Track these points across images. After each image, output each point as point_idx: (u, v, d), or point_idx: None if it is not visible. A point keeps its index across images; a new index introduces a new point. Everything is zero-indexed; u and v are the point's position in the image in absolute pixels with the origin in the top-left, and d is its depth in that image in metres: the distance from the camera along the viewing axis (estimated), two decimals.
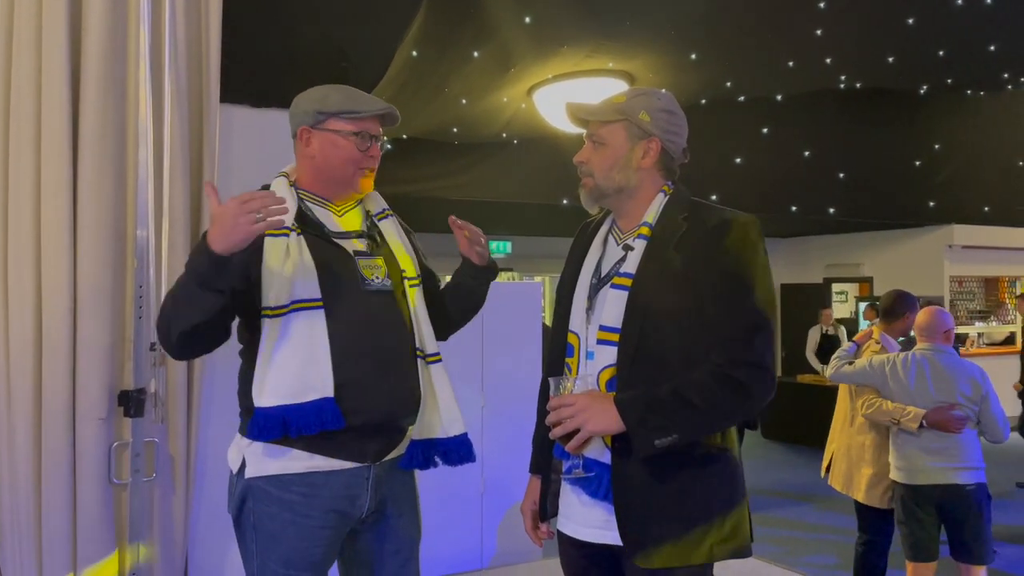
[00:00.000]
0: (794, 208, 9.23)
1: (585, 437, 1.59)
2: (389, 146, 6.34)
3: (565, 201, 7.97)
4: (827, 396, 9.18)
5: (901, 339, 4.25)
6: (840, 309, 11.60)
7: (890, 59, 7.73)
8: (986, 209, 10.35)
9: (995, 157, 10.30)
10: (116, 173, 2.74)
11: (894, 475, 3.72)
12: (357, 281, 1.79)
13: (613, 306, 1.65)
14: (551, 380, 1.66)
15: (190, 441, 2.85)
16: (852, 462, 4.06)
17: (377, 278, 1.82)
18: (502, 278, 10.86)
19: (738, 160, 8.71)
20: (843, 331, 10.22)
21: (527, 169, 8.01)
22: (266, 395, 1.69)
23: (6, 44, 2.64)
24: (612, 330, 1.64)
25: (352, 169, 1.84)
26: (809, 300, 11.34)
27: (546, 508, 1.80)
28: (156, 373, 2.78)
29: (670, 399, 1.56)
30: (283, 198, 1.60)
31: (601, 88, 6.25)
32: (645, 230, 1.70)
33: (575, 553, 1.75)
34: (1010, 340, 12.32)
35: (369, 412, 1.75)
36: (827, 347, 10.25)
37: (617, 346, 1.63)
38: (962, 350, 10.99)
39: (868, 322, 9.59)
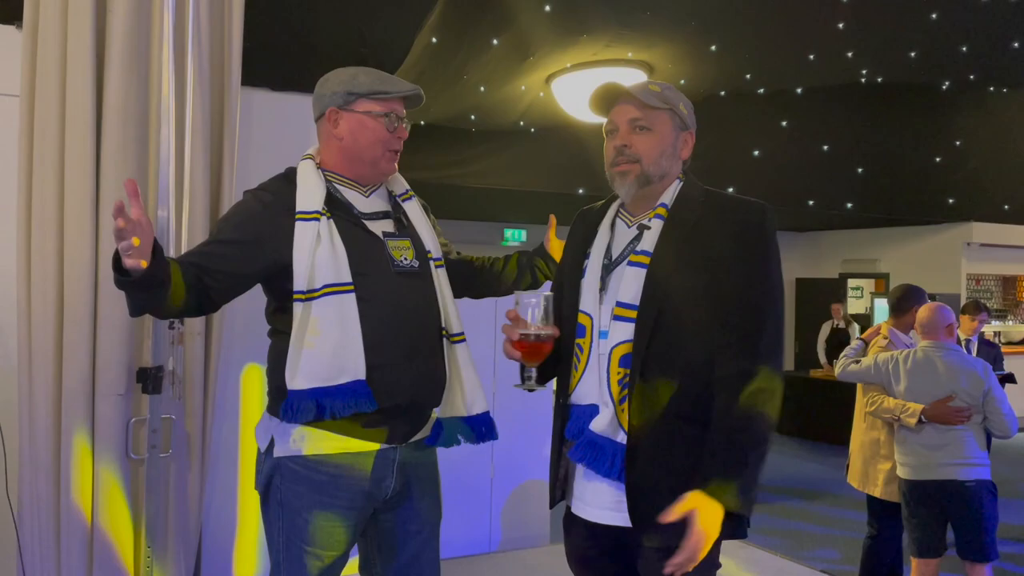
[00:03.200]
0: (811, 202, 9.18)
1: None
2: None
3: (581, 191, 7.96)
4: (838, 392, 9.19)
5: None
6: (855, 305, 11.54)
7: (912, 54, 7.66)
8: (1006, 207, 10.24)
9: (1016, 154, 10.18)
10: (138, 153, 2.77)
11: (899, 471, 3.74)
12: (387, 263, 1.81)
13: (631, 283, 1.64)
14: (527, 295, 1.66)
15: (206, 419, 2.90)
16: (867, 458, 4.07)
17: (405, 259, 1.84)
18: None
19: (756, 153, 8.66)
20: (855, 327, 10.18)
21: (544, 158, 8.00)
22: (299, 378, 1.72)
23: (32, 24, 2.68)
24: (629, 306, 1.63)
25: (381, 150, 1.85)
26: (824, 295, 11.29)
27: (556, 493, 1.80)
28: (174, 351, 2.83)
29: (748, 466, 1.55)
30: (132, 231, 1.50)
31: (619, 78, 6.22)
32: (662, 211, 1.70)
33: (583, 540, 1.75)
34: None
35: (399, 393, 1.78)
36: (836, 342, 10.22)
37: (634, 322, 1.62)
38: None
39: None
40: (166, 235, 2.82)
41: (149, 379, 2.76)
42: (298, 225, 1.75)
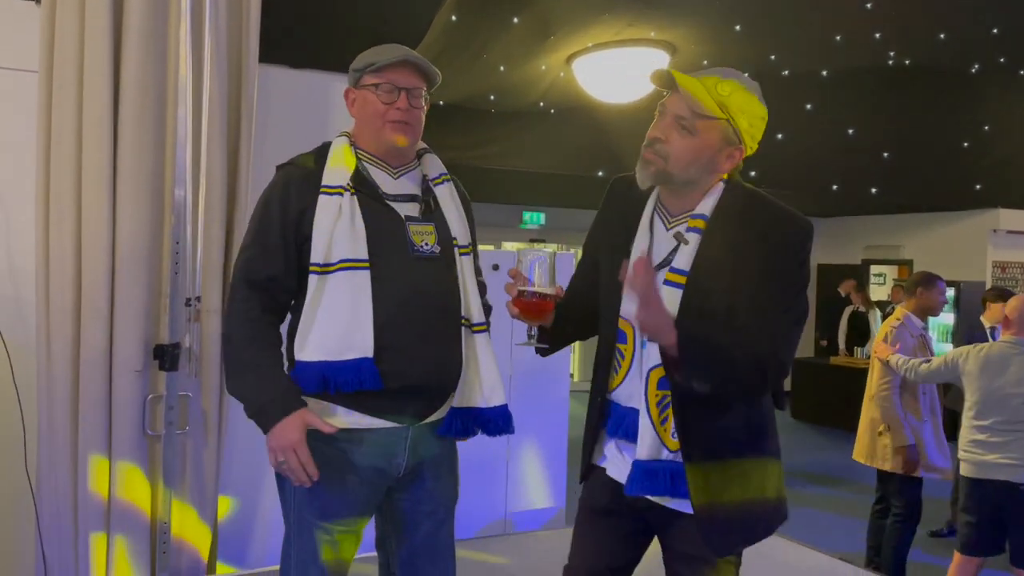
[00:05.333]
0: (835, 187, 9.06)
1: (643, 326, 1.54)
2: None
3: (600, 173, 7.89)
4: (859, 378, 9.06)
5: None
6: (877, 291, 11.39)
7: (942, 35, 7.50)
8: None
9: None
10: (155, 130, 2.77)
11: (963, 469, 3.72)
12: (405, 245, 1.81)
13: (668, 302, 1.59)
14: (530, 254, 1.67)
15: (223, 396, 2.91)
16: (874, 434, 4.19)
17: (426, 244, 1.83)
18: (524, 247, 10.83)
19: (780, 136, 8.53)
20: (876, 312, 10.06)
21: (563, 139, 7.93)
22: (307, 350, 1.74)
23: (50, 0, 2.67)
24: None
25: (379, 123, 1.84)
26: (846, 281, 11.15)
27: (588, 471, 1.83)
28: (191, 328, 2.83)
29: (716, 359, 1.57)
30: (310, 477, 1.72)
31: (642, 58, 6.15)
32: (700, 223, 1.65)
33: (611, 489, 1.76)
34: None
35: (407, 376, 1.77)
36: (858, 328, 10.11)
37: None
38: None
39: (896, 303, 9.46)
40: (183, 212, 2.81)
41: (166, 356, 2.77)
42: (321, 198, 1.77)
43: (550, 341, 1.79)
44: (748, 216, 1.65)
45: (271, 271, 1.78)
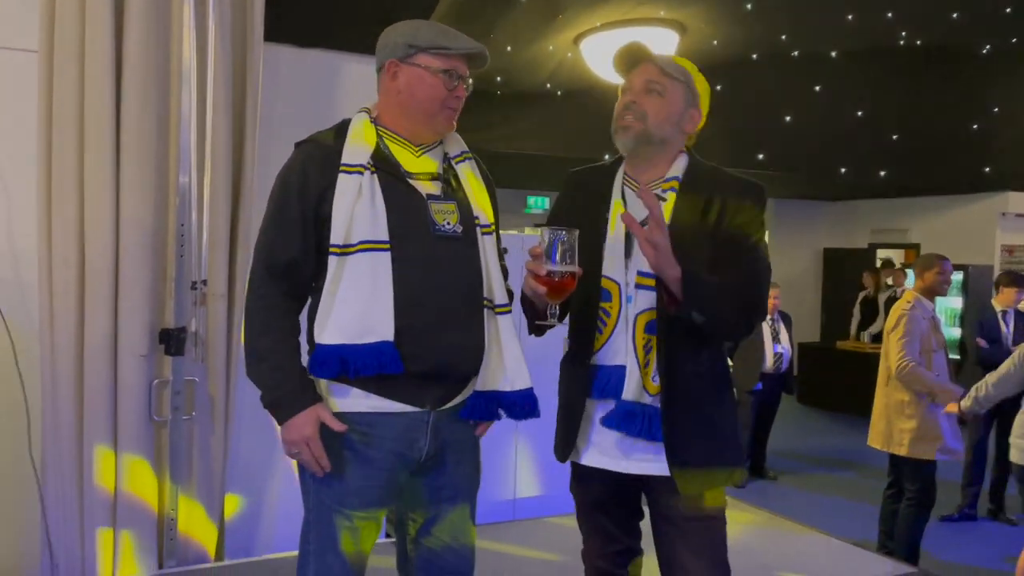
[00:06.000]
0: (843, 170, 8.98)
1: (653, 264, 1.67)
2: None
3: (607, 156, 7.82)
4: (865, 363, 9.03)
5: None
6: (885, 276, 11.32)
7: (954, 15, 7.40)
8: None
9: None
10: (159, 111, 2.71)
11: (1012, 454, 3.69)
12: (427, 225, 1.76)
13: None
14: (553, 232, 1.68)
15: (229, 381, 2.87)
16: (891, 419, 4.15)
17: (448, 223, 1.79)
18: (536, 232, 10.77)
19: (788, 118, 8.45)
20: (882, 297, 10.01)
21: (570, 122, 7.85)
22: (327, 333, 1.70)
23: None
24: (649, 275, 1.74)
25: (437, 107, 1.79)
26: (852, 266, 11.08)
27: (568, 449, 1.88)
28: (197, 312, 2.79)
29: (714, 289, 1.71)
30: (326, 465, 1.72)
31: (651, 38, 6.07)
32: (675, 183, 1.82)
33: (599, 487, 1.88)
34: None
35: (428, 359, 1.73)
36: (867, 312, 10.08)
37: (655, 291, 1.75)
38: None
39: (898, 288, 9.42)
40: (188, 193, 2.76)
41: (172, 340, 2.73)
42: (341, 177, 1.72)
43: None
44: (714, 178, 1.84)
45: (291, 254, 1.74)
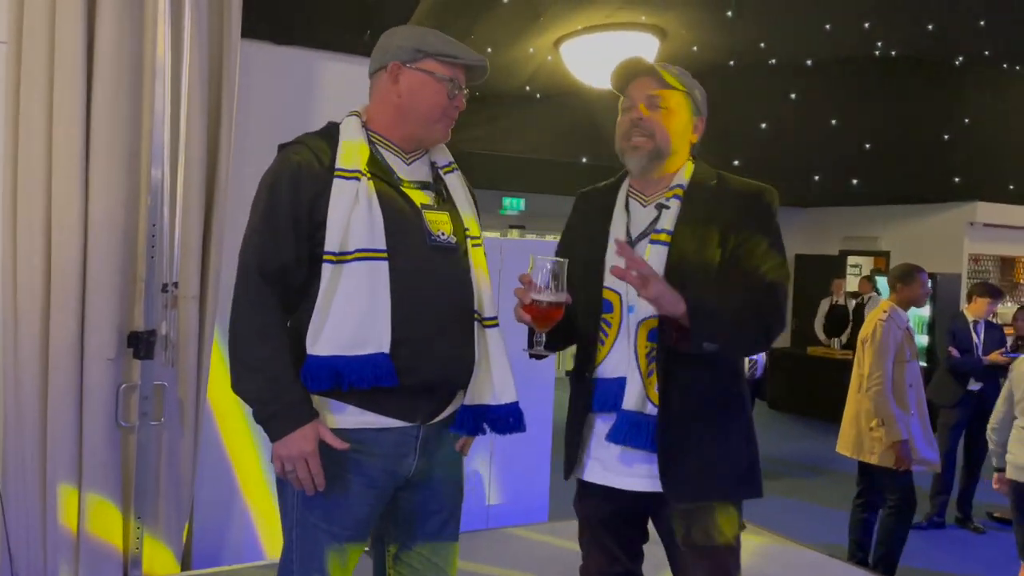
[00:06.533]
0: (816, 177, 9.06)
1: (648, 295, 1.60)
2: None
3: (584, 159, 7.81)
4: (836, 368, 9.14)
5: None
6: (853, 283, 11.44)
7: (930, 26, 7.48)
8: (1011, 187, 10.13)
9: (1022, 134, 10.04)
10: (131, 106, 2.64)
11: (1009, 471, 3.72)
12: (423, 235, 1.72)
13: (654, 260, 1.71)
14: (542, 260, 1.64)
15: (200, 385, 2.79)
16: (862, 427, 4.15)
17: (443, 234, 1.75)
18: (512, 235, 10.74)
19: (763, 125, 8.51)
20: (851, 304, 10.12)
21: (548, 124, 7.83)
22: (321, 344, 1.64)
23: None
24: None
25: (438, 114, 1.76)
26: (823, 272, 11.19)
27: (572, 464, 1.85)
28: (167, 315, 2.71)
29: (725, 313, 1.66)
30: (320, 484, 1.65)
31: (632, 43, 6.06)
32: (679, 191, 1.79)
33: (602, 504, 1.84)
34: None
35: (423, 372, 1.69)
36: (835, 318, 10.20)
37: None
38: None
39: (865, 295, 9.54)
40: (160, 192, 2.68)
41: (141, 343, 2.66)
42: (336, 182, 1.66)
43: (549, 346, 1.78)
44: (721, 184, 1.82)
45: (283, 260, 1.67)
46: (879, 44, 7.85)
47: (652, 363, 1.71)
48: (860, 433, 4.17)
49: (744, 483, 1.80)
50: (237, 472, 3.07)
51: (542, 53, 7.08)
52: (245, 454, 3.07)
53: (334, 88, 3.10)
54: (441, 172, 1.84)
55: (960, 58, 8.87)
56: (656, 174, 1.82)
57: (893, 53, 8.20)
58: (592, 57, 6.37)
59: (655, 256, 1.73)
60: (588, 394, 1.80)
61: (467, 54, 1.77)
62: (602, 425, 1.78)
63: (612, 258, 1.76)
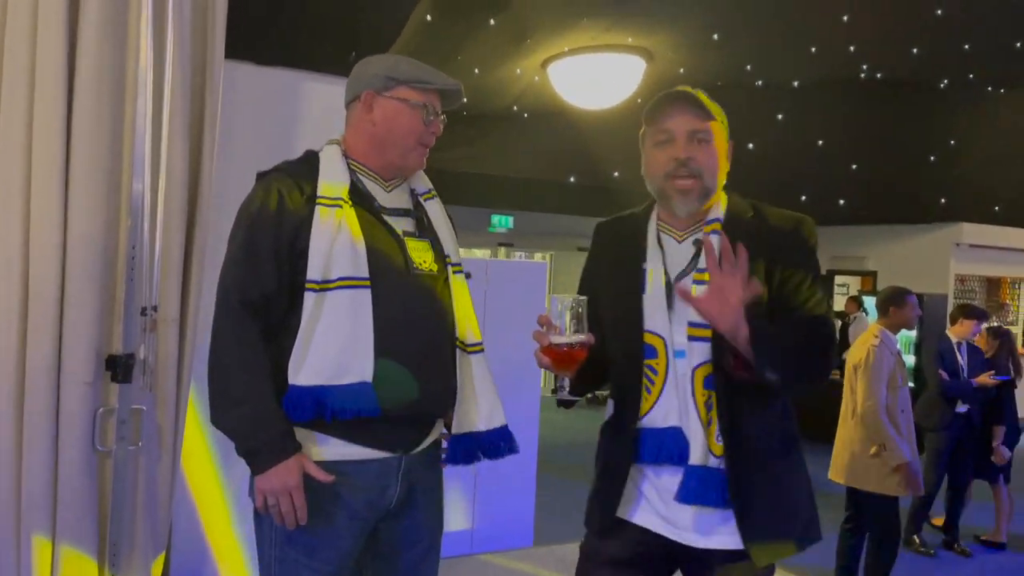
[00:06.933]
0: (804, 198, 9.11)
1: (722, 329, 1.53)
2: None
3: (572, 179, 7.81)
4: (825, 389, 9.05)
5: None
6: (839, 302, 11.48)
7: (915, 50, 7.57)
8: (996, 208, 10.23)
9: (1009, 156, 10.14)
10: (112, 123, 2.60)
11: None
12: (405, 263, 1.72)
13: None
14: (561, 299, 1.58)
15: (179, 410, 2.75)
16: (857, 453, 4.10)
17: (424, 262, 1.76)
18: (501, 255, 10.73)
19: (751, 146, 8.56)
20: (837, 323, 10.14)
21: (536, 144, 7.85)
22: (303, 373, 1.62)
23: None
24: (703, 326, 1.62)
25: (413, 141, 1.77)
26: None
27: (610, 519, 1.74)
28: (146, 339, 2.67)
29: (786, 339, 1.59)
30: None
31: (618, 64, 6.08)
32: (717, 226, 1.70)
33: (629, 547, 1.73)
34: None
35: (405, 402, 1.68)
36: None
37: (711, 342, 1.63)
38: None
39: (851, 315, 9.57)
40: (140, 213, 2.65)
41: (119, 367, 2.60)
42: (319, 210, 1.66)
43: (576, 391, 1.68)
44: (758, 216, 1.73)
45: (264, 290, 1.66)
46: (865, 67, 7.93)
47: (710, 411, 1.63)
48: (854, 459, 4.13)
49: (812, 525, 1.76)
50: (199, 505, 3.01)
51: (529, 74, 7.12)
52: (208, 487, 3.02)
53: (319, 109, 3.09)
54: (421, 199, 1.84)
55: (945, 81, 8.97)
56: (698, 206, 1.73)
57: (879, 76, 8.29)
58: (579, 78, 6.40)
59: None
60: (632, 444, 1.70)
61: (439, 79, 1.78)
62: (655, 477, 1.70)
63: (649, 300, 1.69)
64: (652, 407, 1.68)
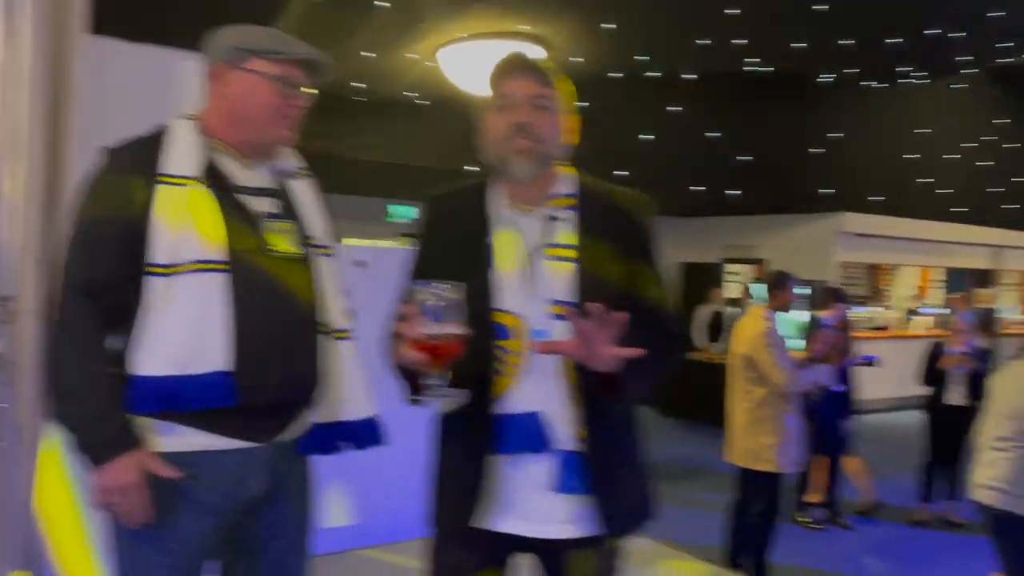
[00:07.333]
0: (697, 188, 9.36)
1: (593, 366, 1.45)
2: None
3: (471, 167, 7.77)
4: (718, 373, 9.40)
5: None
6: (733, 290, 11.88)
7: (798, 45, 7.85)
8: (875, 199, 10.76)
9: (886, 148, 10.71)
10: None
11: (982, 495, 3.41)
12: (262, 244, 1.64)
13: (562, 279, 1.59)
14: (434, 287, 1.42)
15: (40, 408, 2.57)
16: (753, 435, 4.24)
17: (283, 244, 1.68)
18: (404, 243, 10.60)
19: (645, 137, 8.73)
20: (730, 310, 10.51)
21: (432, 131, 7.78)
22: (149, 364, 1.53)
23: None
24: (567, 304, 1.57)
25: (269, 115, 1.67)
26: (706, 279, 11.58)
27: (466, 512, 1.60)
28: (4, 331, 2.49)
29: (651, 360, 1.51)
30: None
31: (513, 51, 6.08)
32: (572, 200, 1.67)
33: (485, 553, 1.64)
34: (885, 327, 12.98)
35: (264, 391, 1.60)
36: (716, 325, 10.59)
37: None
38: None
39: (744, 301, 9.94)
40: None
41: None
42: (163, 189, 1.56)
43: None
44: (609, 196, 1.71)
45: (103, 274, 1.56)
46: (751, 61, 8.18)
47: (578, 394, 1.57)
48: (748, 441, 4.26)
49: (653, 506, 1.76)
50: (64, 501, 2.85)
51: (425, 59, 7.03)
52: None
53: (193, 88, 2.95)
54: (287, 178, 1.75)
55: (828, 76, 9.36)
56: (539, 179, 1.67)
57: (765, 69, 8.57)
58: (474, 64, 6.36)
59: (560, 275, 1.59)
60: (489, 433, 1.57)
61: (296, 49, 1.69)
62: (514, 469, 1.58)
63: (503, 277, 1.60)
64: (509, 393, 1.57)
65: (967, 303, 11.95)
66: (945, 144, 11.39)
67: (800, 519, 5.86)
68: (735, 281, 11.85)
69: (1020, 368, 3.37)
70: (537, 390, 1.57)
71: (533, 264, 1.60)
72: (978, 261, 12.92)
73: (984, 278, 13.32)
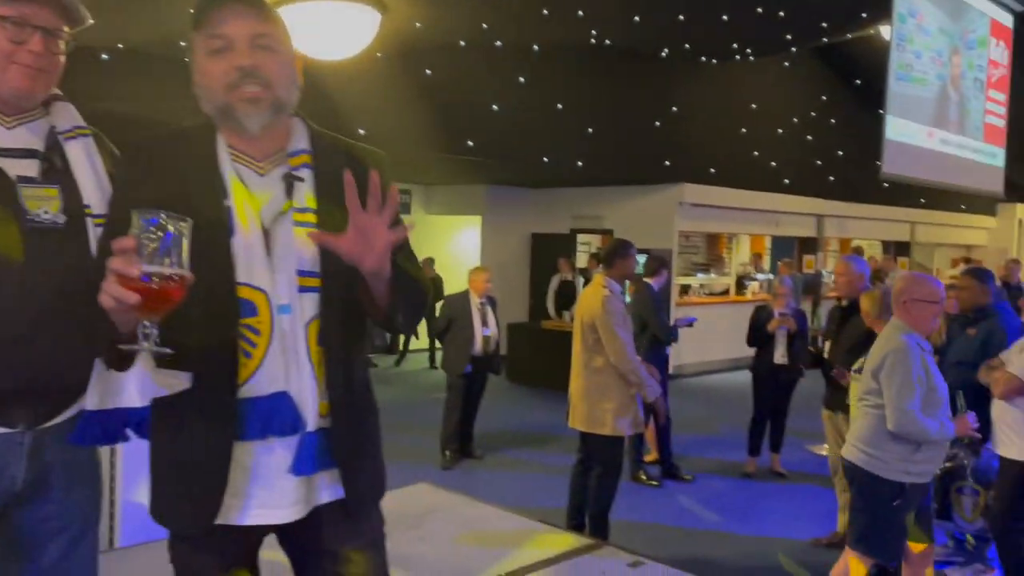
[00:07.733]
0: (546, 159, 9.46)
1: (370, 266, 1.33)
2: (105, 56, 5.54)
3: None
4: (568, 341, 9.60)
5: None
6: (582, 259, 12.19)
7: (636, 19, 8.03)
8: (712, 171, 11.27)
9: (722, 122, 11.22)
10: None
11: (850, 453, 3.42)
12: (16, 213, 1.48)
13: (305, 247, 1.43)
14: (154, 218, 1.20)
15: None
16: (594, 401, 4.31)
17: (46, 212, 1.52)
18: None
19: (495, 107, 8.72)
20: (581, 280, 10.81)
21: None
22: None
23: None
24: (312, 274, 1.44)
25: (2, 63, 1.49)
26: (556, 250, 11.81)
27: (214, 506, 1.43)
28: None
29: (408, 281, 1.46)
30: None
31: (350, 15, 5.86)
32: (306, 158, 1.50)
33: (230, 546, 1.50)
34: (726, 292, 13.72)
35: (17, 374, 1.46)
36: (565, 294, 10.88)
37: (319, 292, 1.45)
38: (683, 298, 12.07)
39: (593, 270, 10.24)
40: None
41: None
42: None
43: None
44: (342, 149, 1.55)
45: None
46: (593, 33, 8.30)
47: (323, 369, 1.45)
48: (591, 408, 4.34)
49: (385, 476, 1.66)
50: None
51: None
52: None
53: None
54: (61, 138, 1.59)
55: (665, 50, 9.65)
56: (272, 132, 1.48)
57: (607, 42, 8.73)
58: (310, 27, 6.10)
59: (304, 243, 1.43)
60: (233, 419, 1.40)
61: None
62: (263, 455, 1.43)
63: (244, 247, 1.41)
64: (254, 374, 1.41)
65: (792, 269, 12.84)
66: (774, 119, 12.08)
67: (639, 477, 6.11)
68: (586, 251, 12.15)
69: (890, 329, 3.42)
70: (282, 369, 1.42)
71: (275, 231, 1.43)
72: (804, 229, 13.83)
73: (810, 245, 14.30)
